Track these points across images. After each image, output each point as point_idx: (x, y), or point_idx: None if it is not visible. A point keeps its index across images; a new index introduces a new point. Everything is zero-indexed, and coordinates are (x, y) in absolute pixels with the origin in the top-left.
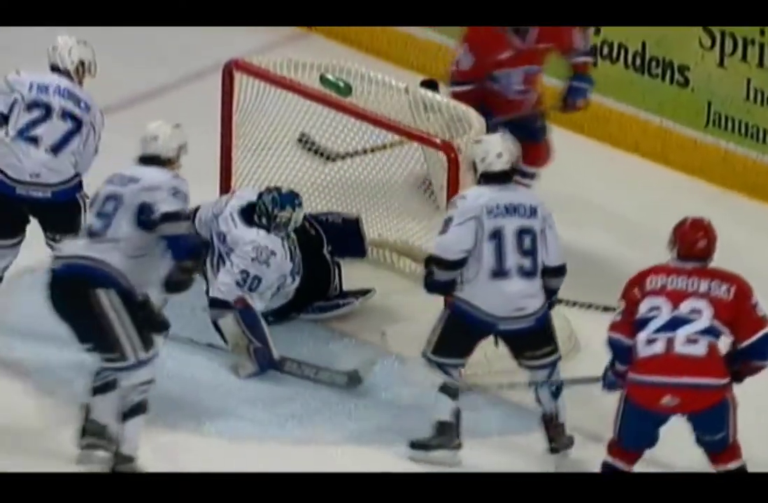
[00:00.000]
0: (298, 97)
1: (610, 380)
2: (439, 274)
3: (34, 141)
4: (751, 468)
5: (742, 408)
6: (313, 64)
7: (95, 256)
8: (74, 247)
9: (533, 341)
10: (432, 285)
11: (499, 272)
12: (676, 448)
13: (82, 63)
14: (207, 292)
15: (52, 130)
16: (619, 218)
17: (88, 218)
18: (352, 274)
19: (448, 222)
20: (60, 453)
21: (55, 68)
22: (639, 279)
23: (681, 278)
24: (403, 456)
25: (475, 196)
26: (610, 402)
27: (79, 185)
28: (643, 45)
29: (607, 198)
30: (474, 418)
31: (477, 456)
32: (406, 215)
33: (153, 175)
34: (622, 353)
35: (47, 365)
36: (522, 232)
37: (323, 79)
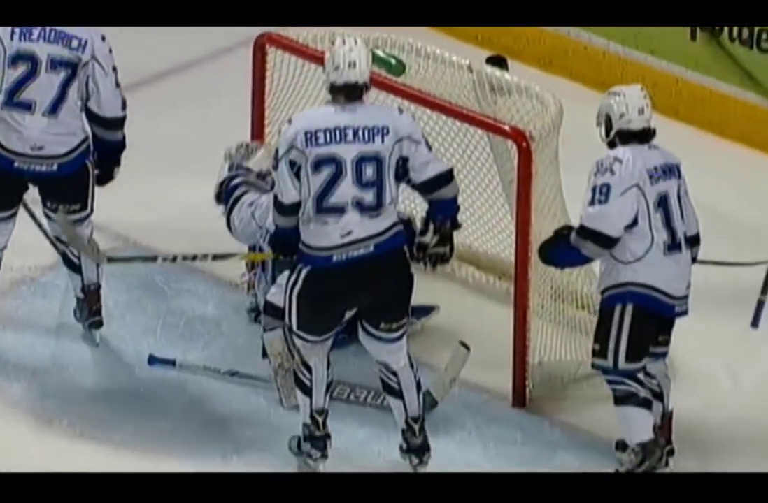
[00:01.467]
0: None
1: None
2: (594, 251)
3: (27, 107)
4: None
5: None
6: (360, 37)
7: (389, 225)
8: (357, 226)
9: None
10: (567, 261)
11: (673, 245)
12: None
13: None
14: (254, 305)
15: (44, 88)
16: (721, 217)
17: (345, 188)
18: None
19: (605, 190)
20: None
21: None
22: None
23: None
24: None
25: (631, 158)
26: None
27: (88, 150)
28: None
29: (710, 194)
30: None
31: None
32: (468, 215)
33: (392, 119)
34: None
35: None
36: (679, 196)
37: (372, 55)
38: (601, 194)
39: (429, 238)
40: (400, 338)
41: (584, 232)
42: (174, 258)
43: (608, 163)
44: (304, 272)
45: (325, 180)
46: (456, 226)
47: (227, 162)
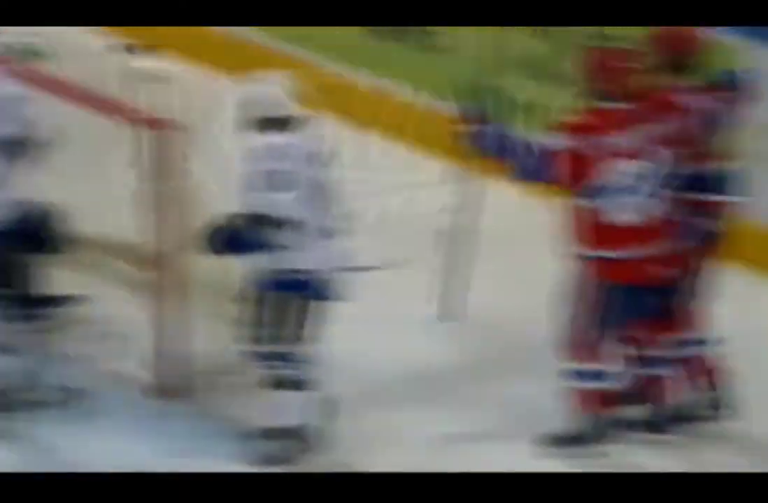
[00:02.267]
0: None
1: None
2: (269, 236)
3: None
4: None
5: None
6: None
7: None
8: None
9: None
10: (239, 249)
11: (323, 230)
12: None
13: None
14: None
15: None
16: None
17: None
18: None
19: (269, 175)
20: None
21: None
22: None
23: None
24: None
25: (286, 144)
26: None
27: None
28: None
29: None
30: None
31: None
32: (109, 204)
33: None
34: None
35: None
36: (329, 183)
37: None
38: (266, 179)
39: None
40: None
41: (256, 217)
42: None
43: (266, 149)
44: None
45: None
46: None
47: None
